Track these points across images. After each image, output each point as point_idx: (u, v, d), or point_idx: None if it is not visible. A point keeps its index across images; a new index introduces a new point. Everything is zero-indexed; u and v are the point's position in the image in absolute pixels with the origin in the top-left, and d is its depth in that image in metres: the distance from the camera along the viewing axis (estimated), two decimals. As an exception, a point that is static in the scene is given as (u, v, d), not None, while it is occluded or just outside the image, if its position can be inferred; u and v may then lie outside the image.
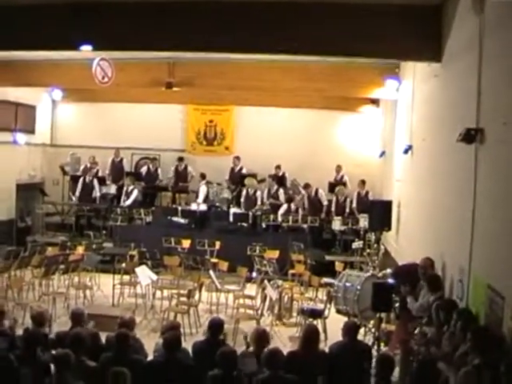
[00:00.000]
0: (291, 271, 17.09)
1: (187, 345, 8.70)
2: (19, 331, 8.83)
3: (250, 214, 20.33)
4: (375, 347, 10.62)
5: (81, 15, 11.92)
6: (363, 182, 21.26)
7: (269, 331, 9.37)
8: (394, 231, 15.94)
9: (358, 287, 13.01)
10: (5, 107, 20.96)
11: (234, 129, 24.17)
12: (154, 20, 12.22)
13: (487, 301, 7.94)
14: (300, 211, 20.47)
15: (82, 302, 14.83)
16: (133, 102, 23.57)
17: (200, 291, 14.36)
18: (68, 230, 21.73)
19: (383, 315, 11.47)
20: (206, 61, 17.74)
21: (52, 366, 7.43)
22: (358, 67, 17.21)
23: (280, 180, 22.04)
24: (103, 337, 8.85)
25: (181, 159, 23.00)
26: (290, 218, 19.78)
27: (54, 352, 7.67)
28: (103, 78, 17.14)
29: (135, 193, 21.70)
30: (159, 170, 23.17)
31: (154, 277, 14.80)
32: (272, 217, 20.09)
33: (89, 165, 22.86)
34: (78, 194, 22.06)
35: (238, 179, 22.32)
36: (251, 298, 14.72)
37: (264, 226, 20.36)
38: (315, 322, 12.62)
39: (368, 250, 17.21)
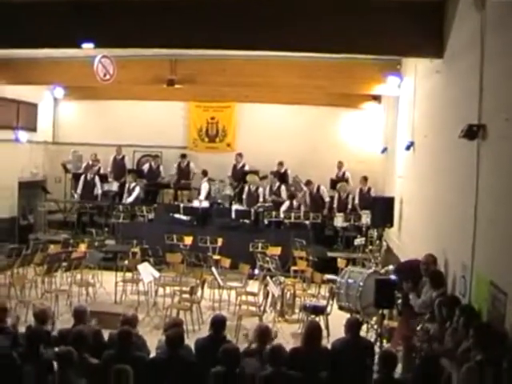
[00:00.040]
0: (293, 268, 17.10)
1: (190, 342, 8.70)
2: (22, 329, 8.85)
3: (252, 210, 20.36)
4: (378, 344, 10.63)
5: (82, 12, 11.91)
6: (365, 179, 21.27)
7: (271, 328, 9.36)
8: (396, 228, 15.94)
9: (361, 284, 13.00)
10: (6, 105, 20.97)
11: (235, 126, 24.17)
12: (156, 17, 12.20)
13: (490, 297, 7.93)
14: (302, 208, 20.48)
15: (84, 300, 14.84)
16: (134, 100, 23.56)
17: (202, 288, 14.37)
18: (70, 228, 21.76)
19: (385, 312, 11.50)
20: (207, 58, 17.71)
21: (55, 364, 7.44)
22: (359, 64, 17.18)
23: (282, 177, 22.04)
24: (106, 334, 8.86)
25: (183, 156, 23.03)
26: (292, 214, 19.78)
27: (56, 349, 7.68)
28: (105, 75, 17.11)
29: (137, 190, 21.72)
30: (161, 167, 23.18)
31: (157, 274, 14.80)
32: (274, 213, 20.09)
33: (91, 162, 22.88)
34: (79, 191, 22.09)
35: (240, 176, 22.31)
36: (254, 294, 14.72)
37: (266, 222, 20.39)
38: (317, 319, 12.59)
39: (370, 247, 17.20)
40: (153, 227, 19.91)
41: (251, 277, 16.06)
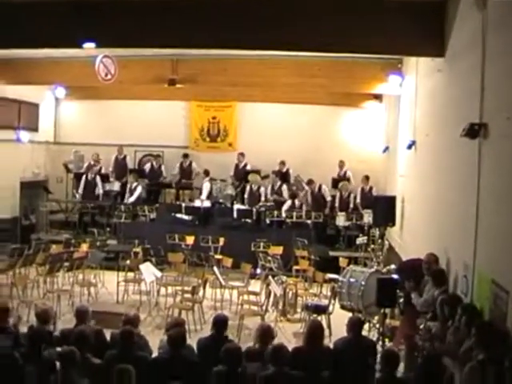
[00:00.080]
0: (295, 267, 17.10)
1: (192, 341, 8.72)
2: (24, 329, 8.86)
3: (254, 210, 20.36)
4: (380, 343, 10.62)
5: (83, 12, 11.90)
6: (367, 178, 21.26)
7: (273, 327, 9.36)
8: (398, 227, 15.94)
9: (363, 283, 13.00)
10: (8, 105, 20.98)
11: (237, 125, 24.16)
12: (156, 17, 12.20)
13: (492, 296, 7.93)
14: (304, 207, 20.49)
15: (86, 300, 14.84)
16: (136, 99, 23.56)
17: (204, 288, 14.38)
18: (72, 228, 21.79)
19: (387, 311, 11.47)
20: (208, 57, 17.71)
21: (57, 364, 7.45)
22: (360, 63, 17.18)
23: (283, 176, 22.03)
24: (108, 334, 8.87)
25: (186, 156, 23.05)
26: (294, 213, 19.78)
27: (59, 349, 7.69)
28: (106, 75, 17.11)
29: (139, 190, 21.74)
30: (163, 167, 23.19)
31: (159, 274, 14.81)
32: (276, 213, 20.09)
33: (92, 162, 22.88)
34: (81, 191, 22.10)
35: (242, 175, 22.32)
36: (255, 294, 14.71)
37: (268, 222, 20.39)
38: (319, 318, 12.60)
39: (372, 246, 17.18)
40: (155, 227, 19.92)
41: (253, 276, 16.06)
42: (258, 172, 22.13)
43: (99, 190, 22.14)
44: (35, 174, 23.15)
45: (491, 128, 8.60)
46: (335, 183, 21.84)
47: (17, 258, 15.26)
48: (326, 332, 10.75)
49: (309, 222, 19.89)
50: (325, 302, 14.15)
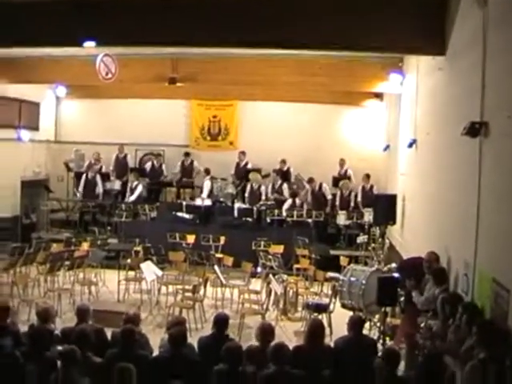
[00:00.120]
0: (296, 266, 17.08)
1: (193, 340, 8.71)
2: (24, 328, 8.86)
3: (255, 208, 20.35)
4: (380, 341, 10.63)
5: (83, 11, 11.90)
6: (368, 176, 21.24)
7: (274, 326, 9.36)
8: (398, 225, 15.94)
9: (363, 281, 12.98)
10: (9, 104, 20.99)
11: (237, 124, 24.16)
12: (157, 16, 12.20)
13: (492, 294, 7.93)
14: (305, 206, 20.49)
15: (87, 298, 14.83)
16: (136, 98, 23.56)
17: (205, 286, 14.39)
18: (73, 227, 21.79)
19: (388, 309, 11.48)
20: (209, 56, 17.70)
21: (58, 362, 7.45)
22: (361, 61, 17.19)
23: (284, 175, 22.03)
24: (108, 333, 8.87)
25: (187, 154, 23.04)
26: (295, 212, 19.78)
27: (60, 348, 7.69)
28: (107, 74, 17.12)
29: (139, 188, 21.74)
30: (163, 166, 23.18)
31: (159, 272, 14.83)
32: (276, 212, 20.10)
33: (93, 161, 22.88)
34: (81, 190, 22.10)
35: (242, 174, 22.32)
36: (256, 292, 14.72)
37: (269, 220, 20.39)
38: (320, 317, 12.62)
39: (373, 245, 17.21)
40: (155, 226, 19.90)
41: (254, 275, 16.06)
42: (258, 171, 22.13)
43: (99, 189, 22.15)
44: (36, 173, 23.15)
45: (492, 126, 8.60)
46: (336, 182, 21.84)
47: (17, 257, 15.25)
48: (327, 331, 10.73)
49: (309, 220, 19.87)
50: (325, 300, 14.15)
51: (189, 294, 14.14)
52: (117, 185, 22.46)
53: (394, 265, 13.73)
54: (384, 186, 20.65)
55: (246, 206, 20.77)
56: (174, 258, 16.59)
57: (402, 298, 11.08)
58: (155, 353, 8.69)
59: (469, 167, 9.50)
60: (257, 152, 22.41)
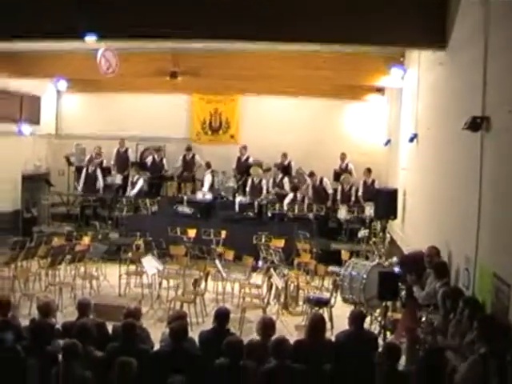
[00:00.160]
0: (297, 260, 17.07)
1: (194, 334, 8.72)
2: (25, 322, 8.87)
3: (256, 203, 20.36)
4: (381, 336, 10.64)
5: (85, 5, 11.88)
6: (369, 171, 21.24)
7: (275, 320, 9.37)
8: (399, 220, 15.94)
9: (364, 276, 12.99)
10: (10, 98, 20.96)
11: (238, 118, 24.15)
12: (158, 10, 12.18)
13: (493, 289, 7.94)
14: (306, 200, 20.49)
15: (88, 292, 14.83)
16: (137, 92, 23.53)
17: (206, 280, 14.39)
18: (74, 221, 21.76)
19: (389, 304, 11.48)
20: (210, 50, 17.67)
21: (59, 356, 7.46)
22: (363, 56, 17.16)
23: (285, 169, 22.05)
24: (109, 327, 8.88)
25: (189, 149, 23.02)
26: (296, 206, 19.78)
27: (61, 342, 7.70)
28: (108, 68, 17.09)
29: (140, 182, 21.74)
30: (164, 160, 23.16)
31: (160, 266, 14.83)
32: (277, 206, 20.11)
33: (94, 155, 22.88)
34: (81, 184, 22.10)
35: (244, 168, 22.32)
36: (257, 287, 14.73)
37: (270, 214, 20.40)
38: (321, 311, 12.64)
39: (374, 239, 17.21)
40: (156, 220, 19.89)
41: (255, 269, 16.06)
42: (259, 165, 22.11)
43: (100, 183, 22.15)
44: (37, 167, 23.16)
45: (493, 121, 8.59)
46: (337, 176, 21.85)
47: (18, 251, 15.24)
48: (328, 325, 10.73)
49: (310, 214, 19.88)
50: (326, 295, 14.16)
51: (190, 288, 14.15)
52: (118, 179, 22.47)
53: (394, 259, 13.75)
54: (385, 180, 20.65)
55: (247, 200, 20.76)
56: (175, 252, 16.60)
57: (403, 293, 11.09)
58: (156, 347, 8.70)
59: (470, 162, 9.50)
60: (258, 146, 22.40)
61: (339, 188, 21.37)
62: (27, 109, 22.18)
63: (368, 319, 11.88)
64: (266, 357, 7.70)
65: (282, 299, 14.38)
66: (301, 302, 14.64)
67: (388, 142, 20.25)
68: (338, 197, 21.20)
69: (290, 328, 13.10)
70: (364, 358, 8.01)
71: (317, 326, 8.46)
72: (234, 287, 15.14)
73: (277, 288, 14.08)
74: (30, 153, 22.46)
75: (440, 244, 10.77)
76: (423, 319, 9.46)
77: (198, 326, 11.86)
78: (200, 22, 12.08)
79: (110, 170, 22.85)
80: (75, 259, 15.33)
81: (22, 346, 7.61)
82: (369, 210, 18.49)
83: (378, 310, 12.53)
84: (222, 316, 8.79)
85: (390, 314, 11.52)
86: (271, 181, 21.67)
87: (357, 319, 8.84)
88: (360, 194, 21.05)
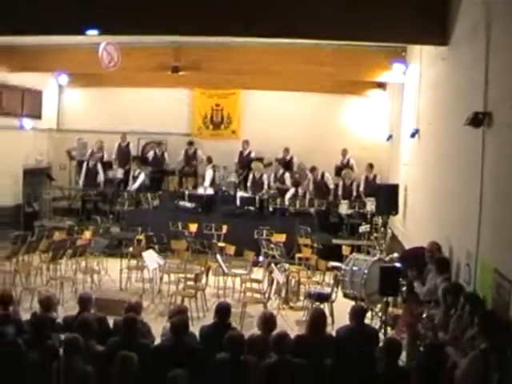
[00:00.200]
0: (298, 255, 17.12)
1: (194, 329, 8.73)
2: (27, 316, 8.88)
3: (257, 197, 20.35)
4: (382, 331, 10.65)
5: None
6: (371, 166, 21.25)
7: (276, 315, 9.38)
8: (401, 215, 15.92)
9: (365, 271, 13.00)
10: (11, 92, 20.97)
11: (240, 113, 24.15)
12: (160, 4, 12.15)
13: (494, 285, 7.93)
14: (307, 195, 20.50)
15: (89, 287, 14.85)
16: (139, 87, 23.53)
17: (207, 275, 14.40)
18: (75, 215, 21.79)
19: (390, 299, 11.49)
20: (212, 45, 17.66)
21: (60, 351, 7.47)
22: (364, 51, 17.12)
23: (286, 164, 22.06)
24: (110, 321, 8.89)
25: (191, 143, 23.03)
26: (297, 201, 19.79)
27: (62, 336, 7.71)
28: (109, 62, 17.12)
29: (142, 176, 21.73)
30: (166, 155, 23.16)
31: (161, 261, 14.84)
32: (279, 200, 20.11)
33: (95, 150, 22.88)
34: (82, 178, 22.11)
35: (245, 163, 22.31)
36: (258, 281, 14.75)
37: (271, 209, 20.40)
38: (322, 306, 12.64)
39: (375, 234, 17.22)
40: (158, 214, 19.90)
41: (256, 264, 16.08)
42: (261, 160, 22.12)
43: (100, 178, 22.17)
44: (38, 162, 23.17)
45: (495, 117, 8.58)
46: (338, 171, 21.86)
47: (20, 245, 15.26)
48: (329, 320, 10.76)
49: (312, 209, 19.89)
50: (327, 290, 14.17)
51: (191, 283, 14.17)
52: (119, 173, 22.48)
53: (395, 254, 13.76)
54: (386, 175, 20.65)
55: (249, 194, 20.77)
56: (176, 247, 16.63)
57: (404, 288, 11.10)
58: (157, 341, 8.71)
59: (471, 157, 9.49)
60: (259, 141, 22.40)
61: (340, 183, 21.39)
62: (29, 103, 22.21)
63: (369, 314, 11.91)
64: (267, 352, 7.71)
65: (282, 294, 14.41)
66: (302, 297, 14.65)
67: (390, 137, 20.23)
68: (340, 192, 21.22)
69: (291, 323, 13.10)
70: (365, 353, 8.02)
71: (317, 321, 8.47)
72: (235, 282, 15.16)
73: (278, 283, 14.10)
74: (31, 147, 22.47)
75: (441, 239, 10.77)
76: (424, 315, 9.46)
77: (199, 321, 11.89)
78: (202, 17, 12.05)
79: (112, 165, 22.85)
80: (76, 253, 15.35)
81: (23, 340, 7.62)
82: (370, 206, 18.50)
83: (378, 306, 12.55)
84: (222, 311, 8.79)
85: (390, 309, 11.53)
86: (272, 176, 21.69)
87: (357, 314, 8.86)
88: (361, 189, 21.07)
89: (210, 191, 20.92)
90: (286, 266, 15.08)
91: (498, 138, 8.44)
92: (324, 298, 13.50)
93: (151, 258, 14.53)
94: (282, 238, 17.38)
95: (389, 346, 7.65)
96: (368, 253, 16.54)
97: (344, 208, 20.06)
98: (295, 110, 23.13)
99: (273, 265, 14.24)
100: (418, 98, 14.84)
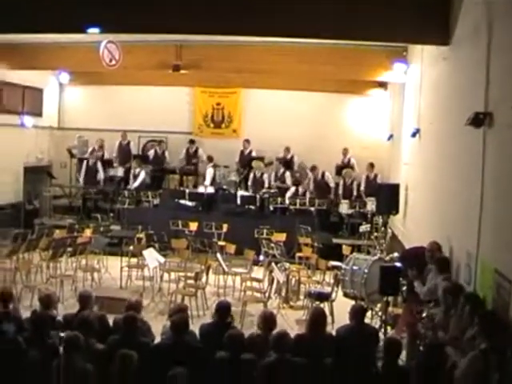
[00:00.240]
0: (298, 254, 17.12)
1: (195, 327, 8.73)
2: (27, 313, 8.88)
3: (258, 196, 20.35)
4: (382, 330, 10.65)
5: (88, -3, 11.91)
6: (372, 166, 21.25)
7: (276, 314, 9.38)
8: (401, 215, 15.92)
9: (366, 270, 13.01)
10: (12, 90, 20.99)
11: (241, 111, 24.14)
12: (161, 2, 12.16)
13: (494, 285, 7.93)
14: (308, 194, 20.49)
15: (89, 285, 14.87)
16: (140, 85, 23.54)
17: (207, 274, 14.40)
18: (75, 213, 21.78)
19: (390, 299, 11.49)
20: (213, 43, 17.67)
21: (60, 349, 7.48)
22: (365, 50, 17.11)
23: (287, 163, 22.05)
24: (111, 319, 8.90)
25: (192, 142, 23.03)
26: (298, 200, 19.79)
27: (63, 334, 7.71)
28: (110, 60, 17.11)
29: (142, 175, 21.72)
30: (166, 153, 23.16)
31: (162, 259, 14.83)
32: (279, 200, 20.12)
33: (96, 148, 22.89)
34: (82, 176, 22.11)
35: (246, 162, 22.31)
36: (258, 280, 14.75)
37: (271, 208, 20.40)
38: (322, 305, 12.64)
39: (375, 234, 17.22)
40: (158, 213, 19.92)
41: (256, 263, 16.09)
42: (261, 159, 22.12)
43: (100, 176, 22.17)
44: (39, 159, 23.17)
45: (496, 117, 8.58)
46: (339, 170, 21.85)
47: (20, 243, 15.25)
48: (329, 319, 10.76)
49: (312, 209, 19.90)
50: (328, 289, 14.18)
51: (191, 282, 14.17)
52: (120, 171, 22.46)
53: (396, 254, 13.76)
54: (387, 175, 20.64)
55: (249, 193, 20.77)
56: (177, 246, 16.64)
57: (404, 288, 11.10)
58: (157, 340, 8.72)
59: (472, 157, 9.49)
60: (260, 140, 22.39)
61: (341, 182, 21.39)
62: (29, 101, 22.24)
63: (369, 314, 11.91)
64: (267, 350, 7.72)
65: (283, 293, 14.42)
66: (302, 297, 14.66)
67: (390, 136, 20.23)
68: (340, 191, 21.22)
69: (291, 322, 13.11)
70: (364, 352, 8.03)
71: (317, 320, 8.48)
72: (236, 281, 15.17)
73: (278, 282, 14.10)
74: (32, 145, 22.47)
75: (442, 239, 10.77)
76: (424, 314, 9.46)
77: (199, 319, 11.89)
78: (203, 15, 12.05)
79: (112, 163, 22.84)
80: (77, 251, 15.34)
81: (23, 338, 7.62)
82: (370, 205, 18.50)
83: (378, 305, 12.55)
84: (222, 309, 8.80)
85: (390, 308, 11.53)
86: (273, 175, 21.69)
87: (358, 314, 8.87)
88: (362, 188, 21.06)
89: (211, 190, 20.92)
90: (287, 265, 15.09)
91: (499, 138, 8.44)
92: (324, 297, 13.51)
93: (151, 256, 14.52)
94: (282, 237, 17.38)
95: (389, 345, 7.67)
96: (368, 252, 16.55)
97: (344, 207, 20.07)
98: (296, 109, 23.11)
99: (273, 264, 14.23)
100: (419, 98, 14.84)
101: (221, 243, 17.23)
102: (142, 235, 17.07)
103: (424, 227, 13.28)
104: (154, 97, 23.66)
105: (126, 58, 17.32)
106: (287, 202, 20.03)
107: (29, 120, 21.86)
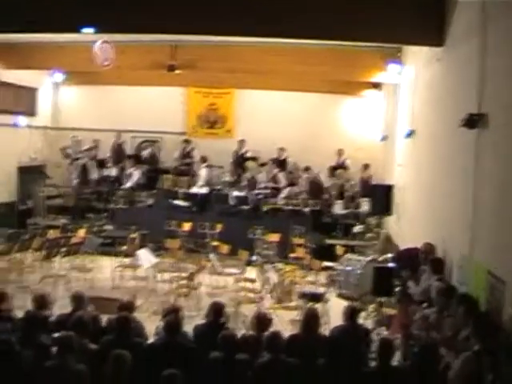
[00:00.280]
0: (292, 255, 17.09)
1: (188, 328, 8.72)
2: (20, 314, 8.86)
3: (251, 197, 20.33)
4: (375, 331, 10.65)
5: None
6: (366, 167, 21.26)
7: (269, 314, 9.37)
8: (395, 215, 15.94)
9: (359, 271, 13.04)
10: (6, 89, 20.92)
11: (235, 112, 24.12)
12: (156, 2, 12.15)
13: (488, 286, 7.95)
14: (301, 195, 20.49)
15: (82, 285, 14.84)
16: (134, 85, 23.52)
17: (201, 274, 14.37)
18: (69, 213, 21.73)
19: (384, 299, 11.49)
20: (207, 44, 17.67)
21: (53, 349, 7.46)
22: (360, 51, 17.15)
23: (281, 164, 22.05)
24: (104, 319, 8.88)
25: (187, 141, 23.00)
26: (291, 201, 19.78)
27: (56, 334, 7.69)
28: (104, 60, 17.09)
29: (136, 175, 21.70)
30: (160, 153, 23.13)
31: (155, 260, 14.82)
32: (273, 200, 20.10)
33: (90, 147, 22.83)
34: (75, 176, 22.07)
35: (240, 162, 22.30)
36: (252, 281, 14.73)
37: (265, 209, 20.38)
38: (316, 306, 12.62)
39: (369, 234, 17.22)
40: (152, 213, 19.91)
41: (249, 263, 16.07)
42: (255, 159, 22.12)
43: (92, 176, 22.13)
44: (33, 159, 23.10)
45: (490, 118, 8.59)
46: (332, 171, 21.85)
47: (13, 243, 15.24)
48: (322, 320, 10.75)
49: (306, 209, 19.90)
50: (321, 289, 14.17)
51: (184, 282, 14.15)
52: (113, 171, 22.44)
53: (389, 255, 13.77)
54: (381, 176, 20.65)
55: (243, 194, 20.76)
56: (170, 246, 16.61)
57: (398, 289, 11.10)
58: (150, 340, 8.70)
59: (466, 158, 9.50)
60: (254, 140, 22.38)
61: (335, 183, 21.36)
62: (24, 101, 22.22)
63: (362, 314, 11.91)
64: (260, 351, 7.72)
65: (276, 294, 14.39)
66: (295, 297, 14.63)
67: (384, 137, 20.26)
68: (334, 192, 21.21)
69: (285, 322, 13.08)
70: (358, 352, 8.03)
71: (311, 320, 8.48)
72: (229, 281, 15.15)
73: (271, 282, 14.09)
74: (25, 145, 22.41)
75: (435, 240, 10.79)
76: (418, 315, 9.47)
77: (193, 320, 11.85)
78: (198, 16, 12.06)
79: (106, 163, 22.80)
80: (70, 252, 15.33)
81: (16, 338, 7.59)
82: (364, 206, 18.51)
83: (372, 306, 12.55)
84: (216, 310, 8.79)
85: (384, 309, 11.54)
86: (267, 175, 21.67)
87: (351, 314, 8.87)
88: (357, 189, 21.05)
89: (205, 190, 20.91)
90: (280, 265, 15.09)
91: (493, 139, 8.45)
92: (317, 297, 13.49)
93: (145, 256, 14.51)
94: (275, 237, 17.39)
95: (382, 346, 7.66)
96: (362, 253, 16.54)
97: (338, 208, 20.07)
98: (290, 109, 23.12)
99: (266, 264, 14.22)
100: (413, 99, 14.86)
101: (214, 243, 17.23)
102: (135, 235, 17.06)
103: (418, 228, 13.30)
104: (148, 97, 23.63)
105: (120, 57, 17.31)
106: (281, 202, 20.02)
107: (23, 120, 21.83)
